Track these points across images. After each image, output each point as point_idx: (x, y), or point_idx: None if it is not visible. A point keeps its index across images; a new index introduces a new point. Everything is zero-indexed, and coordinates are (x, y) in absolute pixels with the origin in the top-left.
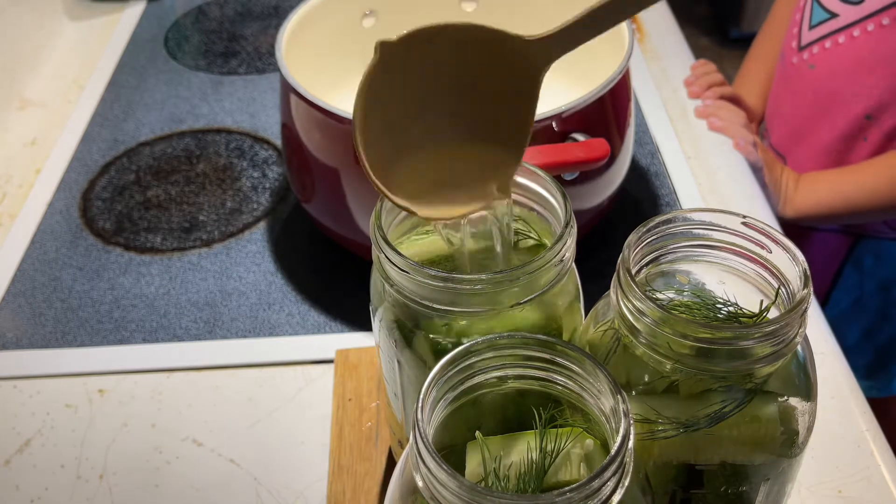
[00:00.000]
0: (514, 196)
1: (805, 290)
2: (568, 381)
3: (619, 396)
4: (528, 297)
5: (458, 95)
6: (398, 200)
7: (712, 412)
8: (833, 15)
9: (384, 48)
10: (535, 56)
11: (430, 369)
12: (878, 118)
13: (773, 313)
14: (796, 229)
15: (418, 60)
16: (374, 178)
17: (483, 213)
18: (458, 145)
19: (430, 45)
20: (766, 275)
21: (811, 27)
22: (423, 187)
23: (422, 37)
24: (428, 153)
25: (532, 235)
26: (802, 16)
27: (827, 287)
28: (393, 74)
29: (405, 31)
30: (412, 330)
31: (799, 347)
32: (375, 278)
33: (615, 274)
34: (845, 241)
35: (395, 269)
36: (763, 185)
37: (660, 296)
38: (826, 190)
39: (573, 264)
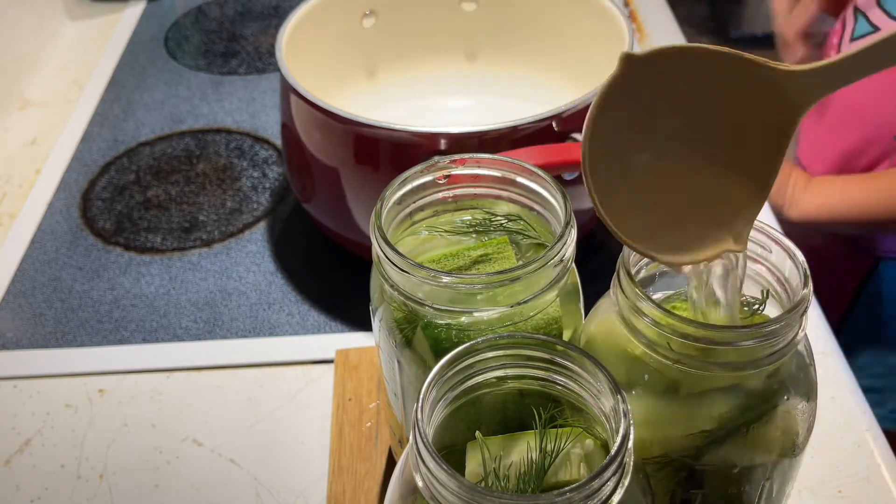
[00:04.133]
0: (514, 196)
1: (805, 290)
2: (568, 381)
3: (619, 396)
4: (529, 297)
5: (698, 124)
6: (634, 244)
7: (724, 429)
8: (876, 29)
9: (629, 61)
10: (797, 90)
11: (430, 369)
12: None
13: (773, 312)
14: (819, 249)
15: (662, 80)
16: (606, 217)
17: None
18: (692, 178)
19: (677, 65)
20: (766, 275)
21: (853, 39)
22: (650, 225)
23: (670, 54)
24: (657, 182)
25: (532, 235)
26: (844, 26)
27: (844, 308)
28: (633, 91)
29: (653, 48)
30: (412, 330)
31: (799, 347)
32: (375, 278)
33: (615, 274)
34: (865, 264)
35: (395, 268)
36: None
37: (660, 296)
38: (835, 193)
39: (573, 264)
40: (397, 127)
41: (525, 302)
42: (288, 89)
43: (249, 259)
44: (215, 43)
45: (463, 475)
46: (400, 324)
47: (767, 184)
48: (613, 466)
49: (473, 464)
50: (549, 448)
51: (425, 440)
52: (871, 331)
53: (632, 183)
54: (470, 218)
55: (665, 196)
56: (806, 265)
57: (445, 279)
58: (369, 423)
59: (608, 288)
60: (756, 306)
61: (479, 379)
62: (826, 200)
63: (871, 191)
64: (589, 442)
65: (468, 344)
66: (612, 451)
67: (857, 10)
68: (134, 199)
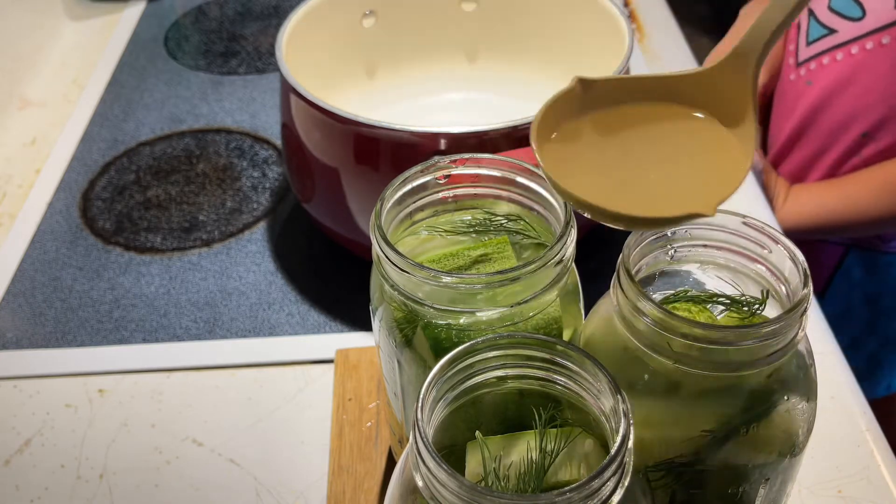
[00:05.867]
0: (514, 196)
1: (805, 290)
2: (568, 381)
3: (619, 396)
4: (529, 297)
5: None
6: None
7: (724, 429)
8: (831, 31)
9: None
10: (731, 68)
11: (430, 369)
12: (874, 136)
13: (773, 312)
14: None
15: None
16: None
17: None
18: (650, 154)
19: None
20: (766, 275)
21: (809, 43)
22: (608, 182)
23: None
24: (611, 154)
25: (532, 235)
26: (799, 31)
27: (816, 294)
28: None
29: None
30: (412, 330)
31: (799, 347)
32: (375, 278)
33: (615, 274)
34: (837, 251)
35: (395, 268)
36: (763, 186)
37: (660, 296)
38: (812, 203)
39: (573, 264)
40: (397, 127)
41: (525, 302)
42: (288, 89)
43: (249, 259)
44: (215, 43)
45: (463, 475)
46: (400, 324)
47: (745, 155)
48: (613, 466)
49: (473, 464)
50: (549, 448)
51: (425, 440)
52: (840, 314)
53: (587, 153)
54: (470, 218)
55: (620, 164)
56: (806, 265)
57: (445, 279)
58: (369, 423)
59: (608, 288)
60: (756, 306)
61: (479, 379)
62: (804, 210)
63: (845, 197)
64: (589, 442)
65: (468, 344)
66: (612, 451)
67: (810, 13)
68: (134, 199)
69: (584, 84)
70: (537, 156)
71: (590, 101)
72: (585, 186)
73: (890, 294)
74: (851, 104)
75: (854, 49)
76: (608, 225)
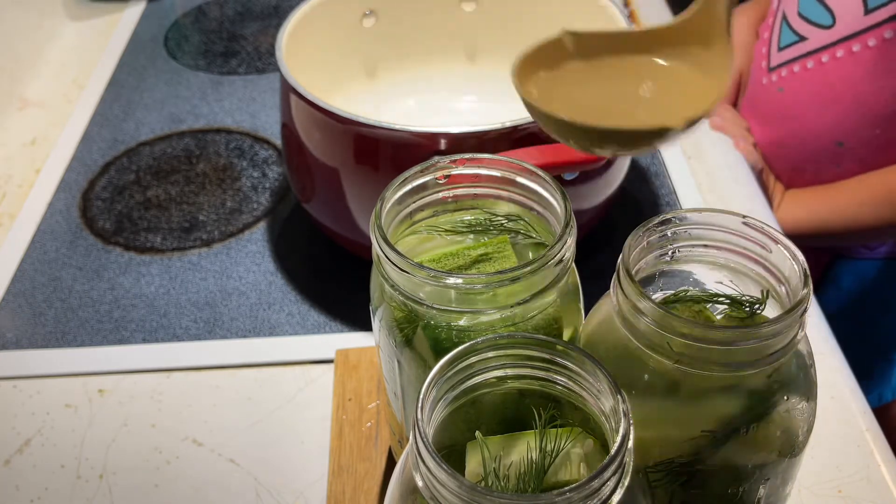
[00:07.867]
0: (514, 196)
1: (805, 290)
2: (568, 381)
3: (619, 396)
4: (529, 297)
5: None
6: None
7: (724, 429)
8: (802, 38)
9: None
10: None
11: (430, 369)
12: (849, 145)
13: (773, 312)
14: None
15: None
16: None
17: None
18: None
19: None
20: (766, 275)
21: (780, 49)
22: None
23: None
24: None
25: (532, 235)
26: (771, 35)
27: None
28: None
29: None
30: (412, 330)
31: (799, 347)
32: (375, 278)
33: (615, 274)
34: (823, 258)
35: (395, 268)
36: (763, 186)
37: (660, 296)
38: (803, 211)
39: (573, 264)
40: (397, 127)
41: (525, 302)
42: (288, 89)
43: (249, 259)
44: (215, 43)
45: (463, 475)
46: (400, 324)
47: (718, 85)
48: (613, 466)
49: (473, 464)
50: (549, 448)
51: (425, 440)
52: (830, 323)
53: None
54: (470, 218)
55: (596, 95)
56: (806, 265)
57: (445, 279)
58: (369, 423)
59: (608, 288)
60: (756, 306)
61: (479, 379)
62: (796, 217)
63: (836, 207)
64: (589, 442)
65: (468, 344)
66: (612, 451)
67: (783, 19)
68: (134, 199)
69: (572, 38)
70: (516, 85)
71: (575, 53)
72: (559, 108)
73: (877, 301)
74: (823, 113)
75: (824, 57)
76: (583, 151)
